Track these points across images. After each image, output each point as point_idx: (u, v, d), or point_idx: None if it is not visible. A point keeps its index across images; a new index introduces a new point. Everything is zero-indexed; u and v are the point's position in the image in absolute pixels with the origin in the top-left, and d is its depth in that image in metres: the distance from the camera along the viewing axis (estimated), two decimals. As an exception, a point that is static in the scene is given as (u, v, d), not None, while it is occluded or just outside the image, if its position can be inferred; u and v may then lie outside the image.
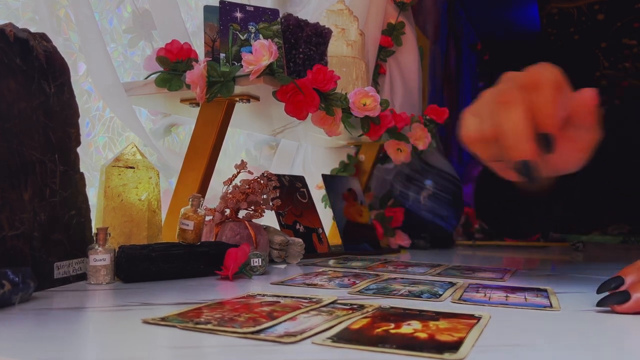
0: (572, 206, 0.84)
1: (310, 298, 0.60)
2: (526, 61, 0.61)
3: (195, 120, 1.03)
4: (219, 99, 0.95)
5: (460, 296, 0.66)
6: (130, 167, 0.86)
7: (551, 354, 0.42)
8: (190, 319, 0.48)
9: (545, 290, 0.71)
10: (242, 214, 0.98)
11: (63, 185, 0.68)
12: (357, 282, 0.76)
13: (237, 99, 1.00)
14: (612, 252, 1.67)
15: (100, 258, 0.70)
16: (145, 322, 0.48)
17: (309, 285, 0.73)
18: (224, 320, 0.47)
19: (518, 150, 0.55)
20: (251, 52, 0.91)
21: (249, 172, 0.97)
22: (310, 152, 1.62)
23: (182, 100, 1.04)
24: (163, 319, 0.48)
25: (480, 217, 1.24)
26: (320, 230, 1.20)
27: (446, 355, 0.39)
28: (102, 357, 0.40)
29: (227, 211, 0.97)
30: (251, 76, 0.90)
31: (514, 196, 0.81)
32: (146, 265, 0.73)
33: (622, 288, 0.57)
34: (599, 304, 0.57)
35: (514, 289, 0.72)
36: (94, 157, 1.10)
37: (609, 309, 0.57)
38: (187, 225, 0.80)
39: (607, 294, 0.58)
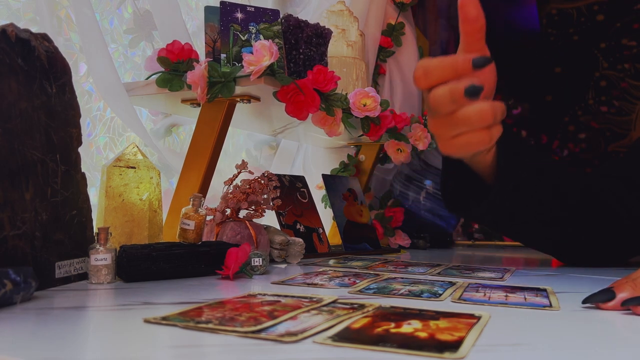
0: None
1: (311, 297, 0.60)
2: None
3: (196, 121, 1.04)
4: (219, 100, 0.95)
5: (460, 296, 0.66)
6: (132, 167, 0.86)
7: (551, 354, 0.42)
8: (191, 318, 0.48)
9: (545, 290, 0.72)
10: (242, 213, 0.98)
11: (64, 185, 0.68)
12: (357, 281, 0.76)
13: (238, 99, 1.00)
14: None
15: (101, 258, 0.70)
16: (147, 321, 0.48)
17: (309, 284, 0.73)
18: (225, 320, 0.47)
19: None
20: (252, 53, 0.91)
21: (250, 172, 0.97)
22: (310, 152, 1.62)
23: (183, 101, 1.04)
24: (164, 318, 0.48)
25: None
26: (321, 230, 1.20)
27: (446, 355, 0.39)
28: (103, 356, 0.40)
29: (228, 211, 0.97)
30: (252, 77, 0.90)
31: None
32: (147, 264, 0.73)
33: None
34: (584, 301, 0.59)
35: (513, 289, 0.73)
36: (94, 157, 1.10)
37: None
38: (188, 225, 0.80)
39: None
